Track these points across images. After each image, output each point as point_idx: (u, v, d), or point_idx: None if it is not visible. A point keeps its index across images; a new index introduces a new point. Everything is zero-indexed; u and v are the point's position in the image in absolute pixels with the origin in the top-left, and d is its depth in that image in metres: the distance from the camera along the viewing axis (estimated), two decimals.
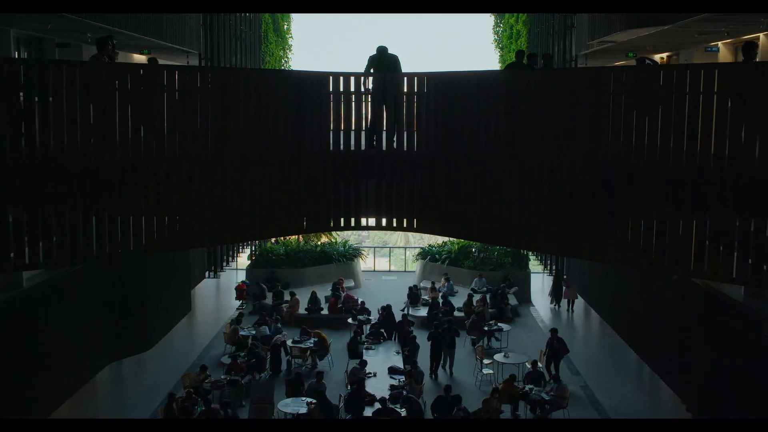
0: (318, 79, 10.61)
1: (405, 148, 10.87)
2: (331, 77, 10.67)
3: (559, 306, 27.00)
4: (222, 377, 18.49)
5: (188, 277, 19.78)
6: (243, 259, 31.53)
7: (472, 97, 10.26)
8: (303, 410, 16.28)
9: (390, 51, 11.20)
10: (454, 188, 10.44)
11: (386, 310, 22.39)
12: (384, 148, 10.91)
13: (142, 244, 9.12)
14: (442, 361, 20.48)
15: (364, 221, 11.18)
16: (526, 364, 19.30)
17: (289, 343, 21.02)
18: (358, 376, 17.30)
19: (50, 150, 8.49)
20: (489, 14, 33.34)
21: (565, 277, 25.47)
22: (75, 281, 13.87)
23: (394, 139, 10.92)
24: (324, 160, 10.72)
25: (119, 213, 8.97)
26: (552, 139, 9.47)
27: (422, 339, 20.81)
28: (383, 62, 10.99)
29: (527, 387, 17.64)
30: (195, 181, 9.58)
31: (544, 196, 9.52)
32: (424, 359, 20.04)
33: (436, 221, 10.83)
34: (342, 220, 10.95)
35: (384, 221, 11.04)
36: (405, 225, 11.13)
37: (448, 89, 10.54)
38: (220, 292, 30.11)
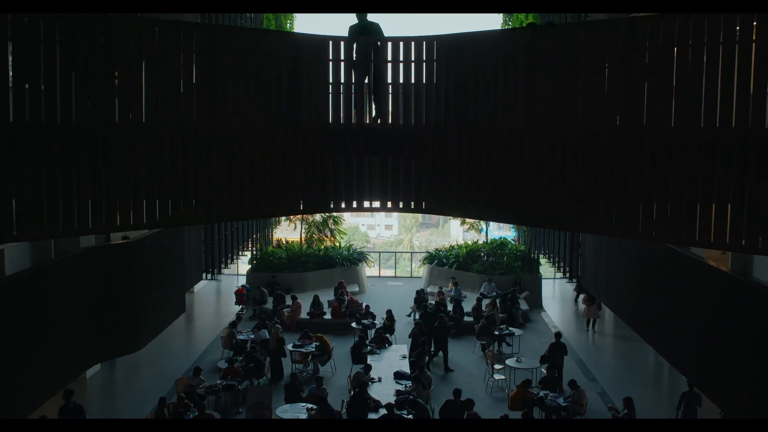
0: (317, 44, 9.60)
1: (413, 122, 9.81)
2: (331, 42, 9.66)
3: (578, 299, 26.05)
4: (218, 382, 17.48)
5: (183, 277, 18.75)
6: (245, 264, 30.67)
7: (488, 62, 9.23)
8: (302, 416, 15.28)
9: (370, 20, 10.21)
10: (468, 164, 9.40)
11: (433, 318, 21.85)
12: (367, 120, 9.87)
13: (115, 221, 8.12)
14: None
15: (367, 203, 10.14)
16: (542, 369, 18.23)
17: (289, 347, 20.04)
18: (360, 380, 16.26)
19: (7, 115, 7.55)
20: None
21: (585, 292, 23.71)
22: (59, 272, 12.94)
23: (374, 112, 9.92)
24: (323, 134, 9.69)
25: (84, 187, 7.98)
26: (580, 105, 8.44)
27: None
28: (365, 30, 10.02)
29: (542, 393, 16.53)
30: (175, 153, 8.57)
31: (569, 169, 8.49)
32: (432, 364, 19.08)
33: (448, 201, 9.79)
34: (343, 201, 9.91)
35: (389, 203, 9.99)
36: (413, 206, 10.06)
37: (461, 54, 9.50)
38: (221, 296, 29.36)
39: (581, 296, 24.89)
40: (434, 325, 20.29)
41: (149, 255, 15.83)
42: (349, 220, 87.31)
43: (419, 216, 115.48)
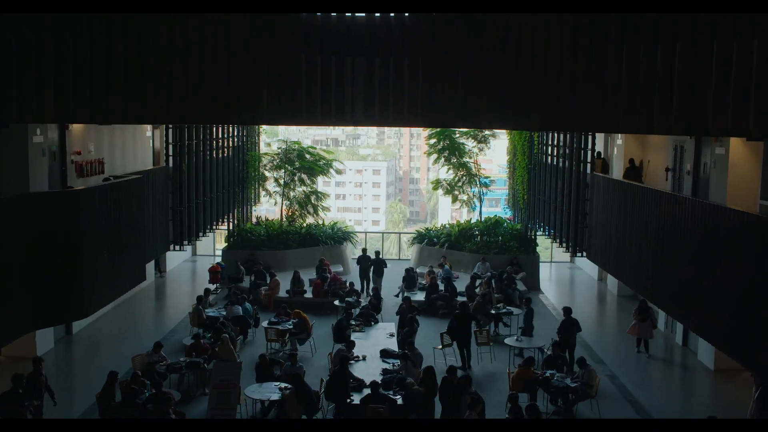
0: None
1: (405, 12, 7.82)
2: None
3: None
4: (181, 359, 15.49)
5: (142, 242, 16.57)
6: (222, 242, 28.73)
7: None
8: (275, 396, 13.33)
9: None
10: (475, 62, 7.47)
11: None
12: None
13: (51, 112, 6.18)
14: None
15: (349, 116, 8.11)
16: (545, 350, 16.33)
17: (264, 324, 18.11)
18: (340, 355, 14.33)
19: None
20: None
21: (639, 302, 18.61)
22: None
23: None
24: (293, 28, 7.70)
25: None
26: None
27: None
28: None
29: (548, 372, 14.63)
30: (101, 35, 6.62)
31: (610, 59, 6.58)
32: (421, 344, 17.07)
33: (449, 110, 7.83)
34: (319, 111, 7.91)
35: (376, 114, 7.98)
36: (405, 119, 8.06)
37: None
38: (196, 276, 27.49)
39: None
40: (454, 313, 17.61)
41: (99, 209, 13.76)
42: (335, 215, 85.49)
43: (407, 211, 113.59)
